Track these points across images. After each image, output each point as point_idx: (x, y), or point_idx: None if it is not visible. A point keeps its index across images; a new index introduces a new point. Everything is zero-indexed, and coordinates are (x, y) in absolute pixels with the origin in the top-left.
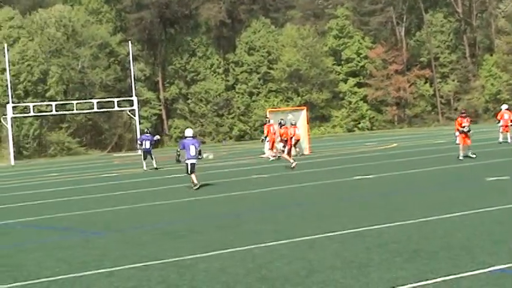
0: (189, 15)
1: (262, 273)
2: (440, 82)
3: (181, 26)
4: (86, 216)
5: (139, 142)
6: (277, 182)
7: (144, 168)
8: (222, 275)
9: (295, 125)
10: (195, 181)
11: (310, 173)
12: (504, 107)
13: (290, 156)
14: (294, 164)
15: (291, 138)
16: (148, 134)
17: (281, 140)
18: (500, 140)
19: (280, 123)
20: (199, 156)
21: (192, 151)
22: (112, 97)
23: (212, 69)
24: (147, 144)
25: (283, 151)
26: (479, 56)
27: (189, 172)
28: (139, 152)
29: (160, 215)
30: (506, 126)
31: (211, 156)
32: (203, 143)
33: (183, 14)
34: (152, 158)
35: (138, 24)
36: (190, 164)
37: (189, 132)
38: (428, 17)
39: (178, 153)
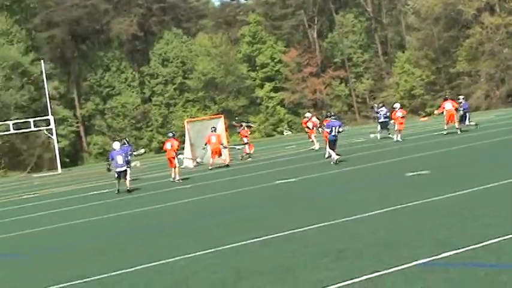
0: (101, 30)
1: (189, 284)
2: (355, 82)
3: (93, 41)
4: (4, 240)
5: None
6: (198, 191)
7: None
8: None
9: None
10: (128, 185)
11: (231, 180)
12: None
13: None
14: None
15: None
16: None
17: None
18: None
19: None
20: (128, 165)
21: (120, 160)
22: (28, 117)
23: (127, 83)
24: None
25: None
26: (391, 53)
27: (119, 178)
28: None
29: (81, 232)
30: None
31: (138, 164)
32: None
33: (94, 29)
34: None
35: (49, 43)
36: (119, 171)
37: (116, 145)
38: (339, 18)
39: (108, 163)
